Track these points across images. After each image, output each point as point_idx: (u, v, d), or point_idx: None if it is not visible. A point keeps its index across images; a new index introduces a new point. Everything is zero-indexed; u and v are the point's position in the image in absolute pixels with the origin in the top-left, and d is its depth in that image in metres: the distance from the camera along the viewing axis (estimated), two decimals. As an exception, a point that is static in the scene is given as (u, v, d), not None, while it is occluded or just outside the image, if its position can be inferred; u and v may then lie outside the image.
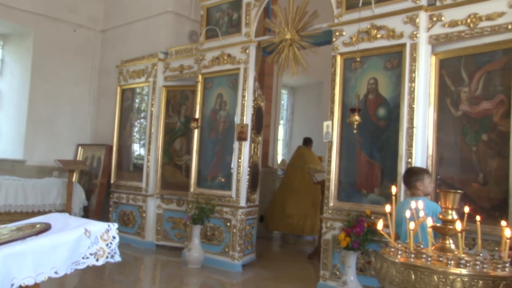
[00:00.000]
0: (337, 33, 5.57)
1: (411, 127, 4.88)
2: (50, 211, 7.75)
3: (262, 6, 6.64)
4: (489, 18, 4.58)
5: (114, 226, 2.55)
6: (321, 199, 7.74)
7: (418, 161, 4.86)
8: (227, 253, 6.61)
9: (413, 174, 4.15)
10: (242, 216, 6.57)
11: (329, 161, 5.53)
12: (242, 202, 6.59)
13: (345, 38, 5.50)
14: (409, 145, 4.87)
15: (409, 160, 4.85)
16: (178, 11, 8.50)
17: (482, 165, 4.56)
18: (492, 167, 4.50)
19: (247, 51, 6.69)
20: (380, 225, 1.79)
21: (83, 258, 2.44)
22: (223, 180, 6.85)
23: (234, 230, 6.57)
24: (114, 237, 2.54)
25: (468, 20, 4.69)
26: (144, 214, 7.91)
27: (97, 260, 2.48)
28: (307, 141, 9.70)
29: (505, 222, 2.20)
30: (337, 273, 5.31)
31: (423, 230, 2.09)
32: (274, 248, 8.92)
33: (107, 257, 2.51)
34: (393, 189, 2.06)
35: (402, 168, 4.87)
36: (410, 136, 4.88)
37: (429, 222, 1.66)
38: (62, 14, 9.17)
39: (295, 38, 6.11)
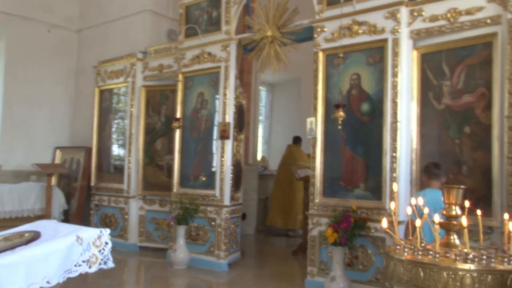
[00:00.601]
0: (319, 30, 5.57)
1: (395, 121, 4.91)
2: (28, 217, 7.59)
3: (242, 4, 6.60)
4: (468, 12, 4.64)
5: (106, 232, 2.49)
6: (304, 195, 7.81)
7: (403, 155, 4.90)
8: (213, 253, 6.56)
9: (442, 169, 4.35)
10: (226, 215, 6.54)
11: (314, 157, 5.54)
12: (226, 201, 6.56)
13: (326, 34, 5.50)
14: (393, 140, 4.91)
15: (394, 154, 4.88)
16: (156, 10, 8.38)
17: (465, 158, 4.63)
18: (475, 159, 4.57)
19: (228, 49, 6.64)
20: (385, 223, 1.78)
21: (75, 265, 2.37)
22: (206, 179, 6.80)
23: (219, 229, 6.53)
24: (106, 243, 2.49)
25: (448, 15, 4.74)
26: (126, 216, 7.80)
27: (90, 267, 2.42)
28: (297, 140, 9.82)
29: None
30: (325, 269, 5.33)
31: (425, 226, 2.10)
32: (258, 246, 8.91)
33: (100, 264, 2.45)
34: (394, 187, 2.05)
35: (387, 163, 4.91)
36: (394, 131, 4.91)
37: (436, 218, 1.65)
38: (35, 13, 8.94)
39: (276, 35, 6.09)
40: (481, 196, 4.42)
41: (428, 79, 4.93)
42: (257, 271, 6.65)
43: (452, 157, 4.72)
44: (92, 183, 8.38)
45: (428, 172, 4.44)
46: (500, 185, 4.31)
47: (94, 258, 2.42)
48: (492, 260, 1.54)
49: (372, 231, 4.96)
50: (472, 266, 1.52)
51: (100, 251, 2.45)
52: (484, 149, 4.49)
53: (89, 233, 2.44)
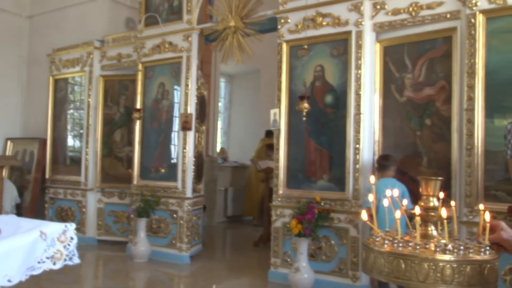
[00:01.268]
0: (282, 21, 5.55)
1: (358, 113, 4.97)
2: (-22, 211, 7.24)
3: (204, -8, 6.49)
4: (429, 7, 4.73)
5: (71, 227, 2.39)
6: (265, 186, 7.84)
7: (366, 146, 4.96)
8: (174, 245, 6.48)
9: (391, 159, 4.66)
10: (188, 207, 6.46)
11: (277, 149, 5.54)
12: (188, 193, 6.48)
13: (290, 26, 5.49)
14: (357, 131, 4.96)
15: (357, 146, 4.94)
16: (114, -3, 8.13)
17: (426, 149, 4.74)
18: (435, 151, 4.69)
19: (190, 39, 6.52)
20: (364, 215, 1.78)
21: (39, 262, 2.26)
22: (167, 171, 6.69)
23: (181, 222, 6.44)
24: (72, 238, 2.38)
25: (410, 9, 4.82)
26: (84, 209, 7.58)
27: (54, 263, 2.31)
28: (269, 133, 9.72)
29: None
30: (289, 260, 5.35)
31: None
32: (219, 237, 8.88)
33: (65, 260, 2.34)
34: (372, 179, 2.05)
35: (350, 154, 4.97)
36: (357, 122, 4.97)
37: (417, 210, 1.67)
38: (-19, -3, 8.48)
39: (239, 25, 6.03)
40: (443, 187, 4.54)
41: (390, 71, 5.01)
42: (219, 263, 6.62)
43: (414, 149, 4.83)
44: (47, 176, 8.08)
45: (379, 165, 4.74)
46: (459, 176, 4.44)
47: (59, 254, 2.31)
48: (471, 250, 1.57)
49: (336, 222, 5.01)
50: (452, 257, 1.54)
51: (65, 246, 2.35)
52: (444, 141, 4.61)
53: (54, 228, 2.33)
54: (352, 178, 4.94)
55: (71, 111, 8.09)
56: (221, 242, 8.51)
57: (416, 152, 4.80)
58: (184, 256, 6.40)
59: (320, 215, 4.94)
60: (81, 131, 7.79)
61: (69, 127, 8.09)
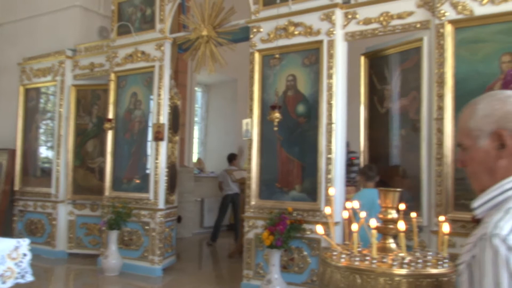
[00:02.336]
0: (255, 30, 5.52)
1: (330, 123, 4.94)
2: None
3: (177, 2, 6.42)
4: (399, 17, 4.75)
5: (24, 242, 2.28)
6: (240, 197, 7.76)
7: (338, 156, 4.93)
8: (146, 258, 6.34)
9: (375, 169, 4.78)
10: (161, 218, 6.34)
11: (250, 159, 5.48)
12: (161, 204, 6.36)
13: (262, 35, 5.46)
14: (329, 141, 4.93)
15: (329, 156, 4.91)
16: (87, 6, 7.99)
17: (402, 159, 4.76)
18: (409, 161, 4.70)
19: (162, 48, 6.45)
20: (320, 229, 1.73)
21: (-13, 281, 2.15)
22: (140, 182, 6.57)
23: (153, 234, 6.32)
24: (25, 255, 2.27)
25: (381, 18, 4.83)
26: (54, 222, 7.39)
27: (3, 282, 2.20)
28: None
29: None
30: (261, 271, 5.27)
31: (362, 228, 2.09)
32: (194, 249, 8.75)
33: (16, 278, 2.23)
34: (331, 191, 2.00)
35: (322, 164, 4.93)
36: (329, 132, 4.94)
37: (373, 223, 1.62)
38: None
39: (211, 34, 5.97)
40: (415, 196, 4.55)
41: (373, 84, 5.09)
42: (192, 275, 6.49)
43: (392, 159, 4.86)
44: (16, 188, 7.87)
45: (364, 174, 4.80)
46: (428, 185, 4.44)
47: (10, 272, 2.20)
48: (428, 263, 1.52)
49: (308, 232, 4.96)
50: (408, 271, 1.50)
51: (16, 263, 2.24)
52: (416, 151, 4.62)
53: (4, 244, 2.22)
54: (324, 188, 4.90)
55: (43, 121, 7.91)
56: (196, 254, 8.38)
57: (393, 162, 4.83)
58: (156, 268, 6.27)
59: (292, 226, 4.88)
60: (51, 142, 7.62)
61: (40, 137, 7.91)
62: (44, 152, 7.93)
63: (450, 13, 4.35)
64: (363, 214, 1.79)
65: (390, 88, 4.94)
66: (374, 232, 1.61)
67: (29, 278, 2.27)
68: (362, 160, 5.17)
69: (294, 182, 5.18)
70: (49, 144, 7.81)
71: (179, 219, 8.57)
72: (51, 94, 7.83)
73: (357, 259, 1.55)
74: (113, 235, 6.35)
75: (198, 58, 6.09)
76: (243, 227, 5.57)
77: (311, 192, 5.02)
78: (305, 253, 5.01)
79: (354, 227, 1.64)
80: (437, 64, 4.39)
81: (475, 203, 1.26)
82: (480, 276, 1.10)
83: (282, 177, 5.27)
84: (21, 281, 2.23)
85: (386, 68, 4.98)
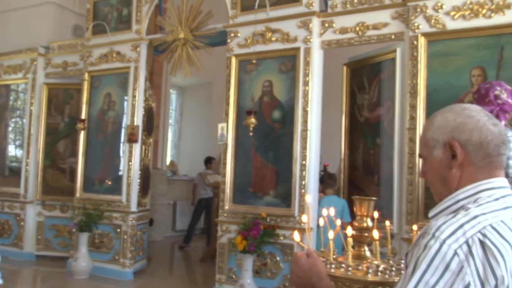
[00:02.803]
0: (232, 34, 5.54)
1: (305, 129, 4.99)
2: None
3: (154, 3, 6.39)
4: (375, 27, 4.84)
5: (-6, 246, 2.22)
6: (213, 201, 7.75)
7: (312, 163, 4.98)
8: (118, 261, 6.27)
9: (334, 179, 5.18)
10: (133, 221, 6.28)
11: (224, 164, 5.48)
12: (133, 207, 6.31)
13: (240, 40, 5.48)
14: (303, 148, 4.98)
15: (303, 162, 4.96)
16: (61, 3, 7.84)
17: (377, 167, 4.84)
18: (383, 169, 4.78)
19: (138, 49, 6.40)
20: (296, 236, 1.75)
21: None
22: (112, 184, 6.50)
23: (125, 237, 6.25)
24: (-6, 259, 2.22)
25: (357, 28, 4.91)
26: (22, 223, 7.22)
27: (-27, 286, 2.15)
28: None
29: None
30: (234, 276, 5.28)
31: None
32: (166, 252, 8.68)
33: (-15, 282, 2.18)
34: (308, 198, 2.03)
35: (296, 170, 4.97)
36: (304, 139, 4.99)
37: (349, 231, 1.65)
38: None
39: (188, 37, 5.96)
40: (387, 204, 4.63)
41: (354, 93, 5.20)
42: (163, 279, 6.45)
43: (368, 167, 4.96)
44: (-17, 187, 7.68)
45: (324, 182, 5.18)
46: (399, 193, 4.53)
47: (-21, 276, 2.15)
48: (402, 271, 1.56)
49: (281, 238, 4.99)
50: (382, 279, 1.53)
51: (-14, 268, 2.19)
52: (389, 159, 4.71)
53: (-26, 248, 2.17)
54: (298, 194, 4.94)
55: (13, 119, 7.74)
56: (168, 257, 8.32)
57: (369, 170, 4.92)
58: (127, 272, 6.20)
59: (266, 231, 4.90)
60: (20, 140, 7.47)
61: (9, 136, 7.74)
62: (12, 150, 7.76)
63: (423, 26, 4.46)
64: (338, 222, 1.83)
65: (368, 98, 5.04)
66: (350, 239, 1.64)
67: (-1, 282, 2.23)
68: (342, 167, 5.35)
69: (268, 188, 5.21)
70: (18, 142, 7.65)
71: (151, 222, 8.50)
72: (21, 92, 7.67)
73: (333, 266, 1.58)
74: (84, 237, 6.26)
75: (175, 61, 6.07)
76: (216, 231, 5.57)
77: (285, 198, 5.05)
78: (278, 258, 5.04)
79: (331, 234, 1.67)
80: (410, 75, 4.49)
81: (431, 213, 1.30)
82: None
83: (256, 182, 5.29)
84: (-10, 286, 2.18)
85: (366, 78, 5.08)
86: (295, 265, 1.50)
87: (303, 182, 4.94)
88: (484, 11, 4.19)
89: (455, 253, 1.08)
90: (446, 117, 1.31)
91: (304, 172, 4.95)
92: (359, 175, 5.08)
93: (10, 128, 7.75)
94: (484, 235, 1.11)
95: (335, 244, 2.03)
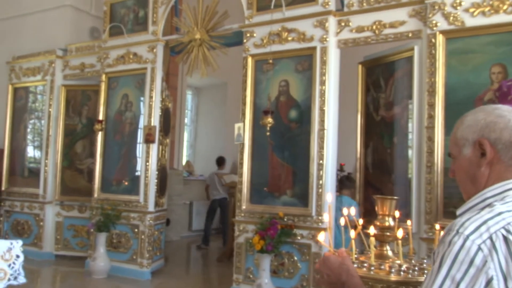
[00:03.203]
0: (248, 35, 5.54)
1: (322, 129, 4.97)
2: None
3: (170, 4, 6.43)
4: (392, 25, 4.80)
5: (18, 244, 2.26)
6: (230, 201, 7.76)
7: (329, 162, 4.97)
8: (135, 261, 6.31)
9: (352, 181, 5.35)
10: (150, 221, 6.32)
11: (241, 164, 5.48)
12: (151, 207, 6.34)
13: (256, 40, 5.48)
14: (320, 147, 4.96)
15: (321, 161, 4.94)
16: (78, 6, 7.93)
17: (393, 166, 4.81)
18: (399, 168, 4.75)
19: (154, 50, 6.44)
20: (321, 237, 1.75)
21: (-21, 283, 2.13)
22: (129, 184, 6.54)
23: (142, 236, 6.29)
24: (18, 256, 2.26)
25: (374, 27, 4.88)
26: (41, 223, 7.31)
27: (-3, 283, 2.18)
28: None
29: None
30: (251, 276, 5.27)
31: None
32: (183, 252, 8.72)
33: (9, 279, 2.22)
34: (328, 197, 2.02)
35: (314, 170, 4.95)
36: (321, 138, 4.97)
37: (371, 230, 1.64)
38: None
39: (204, 38, 5.98)
40: (405, 204, 4.60)
41: (370, 92, 5.16)
42: (181, 279, 6.47)
43: (385, 166, 4.93)
44: (3, 188, 7.79)
45: (342, 184, 5.32)
46: (418, 192, 4.49)
47: (3, 273, 2.18)
48: (425, 271, 1.55)
49: (299, 238, 4.98)
50: (405, 278, 1.52)
51: (10, 265, 2.22)
52: (404, 158, 4.67)
53: (-2, 246, 2.21)
54: (316, 194, 4.93)
55: (31, 120, 7.85)
56: (184, 257, 8.36)
57: (386, 169, 4.88)
58: (145, 272, 6.24)
59: (283, 231, 4.89)
60: (39, 142, 7.56)
61: (29, 137, 7.84)
62: (31, 152, 7.86)
63: (441, 24, 4.41)
64: (361, 222, 1.82)
65: (385, 97, 5.00)
66: (373, 239, 1.63)
67: (22, 280, 2.26)
68: (358, 167, 5.34)
69: (285, 187, 5.20)
70: (36, 144, 7.74)
71: (167, 222, 8.54)
72: (39, 94, 7.77)
73: (355, 265, 1.57)
74: (102, 237, 6.31)
75: (191, 61, 6.09)
76: (233, 231, 5.57)
77: (302, 198, 5.04)
78: (295, 258, 5.03)
79: (352, 233, 1.66)
80: (428, 73, 4.44)
81: (459, 211, 1.30)
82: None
83: (273, 182, 5.28)
84: (13, 282, 2.22)
85: (382, 76, 5.04)
86: (323, 264, 1.50)
87: (321, 182, 4.92)
88: (505, 7, 4.12)
89: (479, 248, 1.09)
90: (477, 116, 1.31)
91: (321, 172, 4.93)
92: (375, 174, 5.05)
93: (29, 130, 7.86)
94: (508, 231, 1.11)
95: (345, 244, 2.03)
